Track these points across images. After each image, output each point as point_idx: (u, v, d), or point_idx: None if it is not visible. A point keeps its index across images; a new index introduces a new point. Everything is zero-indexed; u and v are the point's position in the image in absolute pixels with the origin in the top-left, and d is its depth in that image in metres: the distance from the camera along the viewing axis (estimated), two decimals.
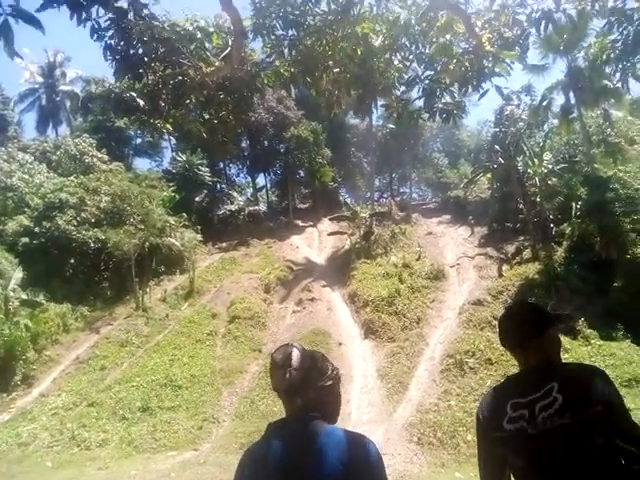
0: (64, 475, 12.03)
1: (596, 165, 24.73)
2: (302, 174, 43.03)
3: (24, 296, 21.98)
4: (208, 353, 21.05)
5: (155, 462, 12.91)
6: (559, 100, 27.13)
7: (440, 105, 4.95)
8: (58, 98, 47.72)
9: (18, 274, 22.39)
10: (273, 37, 5.04)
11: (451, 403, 14.84)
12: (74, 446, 14.88)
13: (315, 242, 36.45)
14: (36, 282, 23.45)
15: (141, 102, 4.75)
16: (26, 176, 30.72)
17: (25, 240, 26.04)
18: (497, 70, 4.98)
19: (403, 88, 5.23)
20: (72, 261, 26.73)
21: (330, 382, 1.93)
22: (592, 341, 17.18)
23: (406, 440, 13.33)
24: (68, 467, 13.04)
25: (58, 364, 21.02)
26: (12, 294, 21.24)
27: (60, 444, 15.04)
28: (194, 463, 12.58)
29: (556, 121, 29.41)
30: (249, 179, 48.71)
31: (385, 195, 50.88)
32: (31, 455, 14.51)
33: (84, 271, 27.07)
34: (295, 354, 1.90)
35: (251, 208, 38.59)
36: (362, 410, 15.91)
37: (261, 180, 48.18)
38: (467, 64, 4.95)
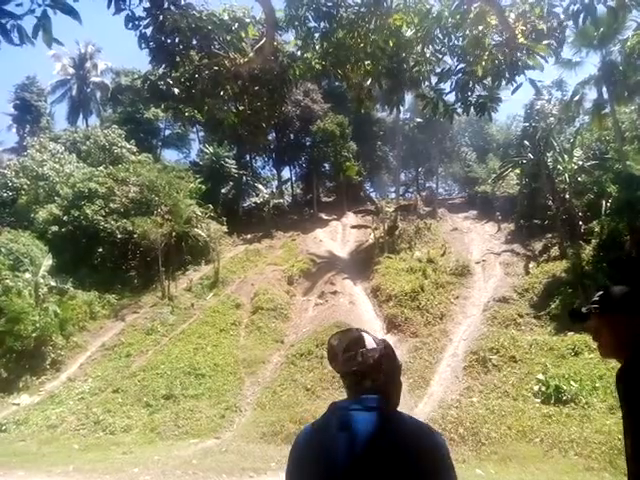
0: (90, 457, 12.32)
1: (628, 162, 24.14)
2: (327, 168, 42.98)
3: (53, 283, 22.57)
4: (231, 343, 21.29)
5: (177, 449, 13.12)
6: (591, 95, 26.49)
7: (474, 98, 4.89)
8: (89, 89, 48.65)
9: (47, 261, 22.96)
10: (305, 29, 5.04)
11: (473, 400, 14.73)
12: (99, 430, 15.25)
13: (339, 236, 36.42)
14: (65, 270, 24.05)
15: (176, 90, 4.82)
16: (57, 166, 31.40)
17: (55, 228, 26.67)
18: (531, 64, 4.91)
19: (435, 81, 5.18)
20: (100, 250, 27.29)
21: (398, 368, 1.92)
22: None
23: None
24: (94, 450, 13.36)
25: (85, 350, 21.53)
26: (42, 281, 21.81)
27: (86, 428, 15.44)
28: (215, 451, 12.74)
29: (587, 117, 28.76)
30: (274, 172, 49.03)
31: (410, 190, 50.54)
32: (59, 437, 14.94)
33: (111, 260, 27.61)
34: (367, 337, 1.87)
35: (276, 201, 38.75)
36: None
37: (286, 173, 48.47)
38: (500, 57, 4.89)
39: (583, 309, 2.15)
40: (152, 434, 14.86)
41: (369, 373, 1.79)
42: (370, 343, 1.84)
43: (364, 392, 1.76)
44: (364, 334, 1.88)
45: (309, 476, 1.68)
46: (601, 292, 2.13)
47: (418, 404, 15.54)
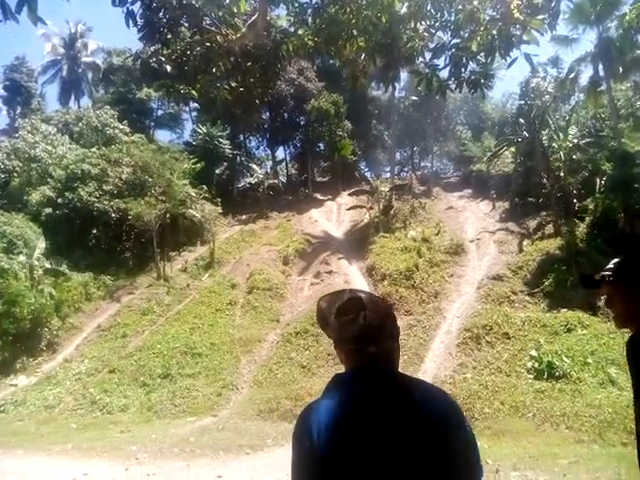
0: (88, 436, 12.47)
1: (623, 140, 24.12)
2: (322, 147, 42.73)
3: (48, 265, 22.51)
4: (227, 322, 21.41)
5: (174, 427, 13.28)
6: (587, 72, 26.33)
7: (467, 74, 4.86)
8: (80, 70, 47.95)
9: (42, 244, 22.88)
10: (297, 5, 4.98)
11: (467, 376, 14.93)
12: (96, 410, 15.42)
13: (334, 216, 36.40)
14: (59, 252, 23.99)
15: (168, 68, 4.76)
16: (49, 147, 31.09)
17: (48, 210, 26.53)
18: (526, 38, 4.86)
19: (429, 57, 5.14)
20: (94, 231, 27.20)
21: (399, 330, 1.72)
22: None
23: None
24: (91, 429, 13.52)
25: (81, 331, 21.61)
26: (36, 263, 21.76)
27: (83, 407, 15.61)
28: (212, 429, 12.91)
29: (583, 94, 28.62)
30: (269, 152, 48.70)
31: (406, 169, 50.36)
32: (57, 417, 15.10)
33: (106, 241, 27.53)
34: (365, 296, 1.67)
35: (270, 181, 38.57)
36: None
37: (281, 153, 48.14)
38: (495, 32, 4.84)
39: (596, 276, 2.13)
40: (149, 413, 15.02)
41: (373, 338, 1.59)
42: (370, 304, 1.64)
43: (369, 359, 1.59)
44: (361, 294, 1.68)
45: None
46: (617, 260, 2.10)
47: None
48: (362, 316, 1.58)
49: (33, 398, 16.36)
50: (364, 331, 1.57)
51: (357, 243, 29.06)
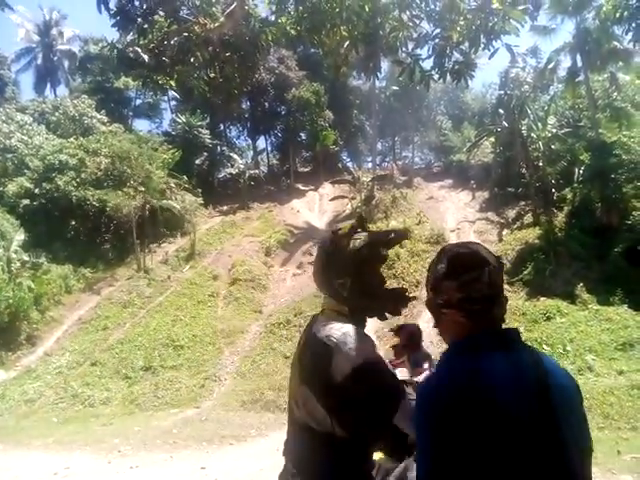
0: (69, 430, 12.35)
1: (600, 130, 24.46)
2: (303, 137, 42.50)
3: (26, 258, 22.08)
4: (210, 314, 21.33)
5: (157, 419, 13.22)
6: (565, 63, 26.61)
7: (450, 64, 4.86)
8: (55, 58, 46.77)
9: (20, 236, 22.43)
10: None
11: None
12: (78, 403, 15.26)
13: (316, 206, 36.39)
14: (38, 244, 23.56)
15: (145, 58, 4.67)
16: (25, 137, 30.41)
17: (26, 202, 26.03)
18: (507, 29, 4.88)
19: (412, 47, 5.13)
20: (73, 223, 26.77)
21: None
22: (590, 306, 17.35)
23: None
24: (73, 423, 13.39)
25: (61, 324, 21.31)
26: (14, 256, 21.32)
27: (65, 401, 15.43)
28: (195, 420, 12.89)
29: (561, 85, 28.92)
30: (249, 142, 48.30)
31: (387, 159, 50.54)
32: (37, 411, 14.92)
33: (85, 233, 27.13)
34: (485, 250, 1.51)
35: (252, 171, 38.32)
36: None
37: (262, 143, 47.78)
38: (476, 22, 4.85)
39: None
40: (131, 405, 14.93)
41: (497, 297, 1.45)
42: (490, 258, 1.48)
43: (492, 322, 1.44)
44: (479, 245, 1.55)
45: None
46: None
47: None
48: (487, 272, 1.44)
49: (13, 392, 16.10)
50: (492, 289, 1.44)
51: None
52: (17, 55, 46.22)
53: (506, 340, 1.43)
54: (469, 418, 1.27)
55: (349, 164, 44.99)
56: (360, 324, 1.91)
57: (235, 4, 4.85)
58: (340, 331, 1.80)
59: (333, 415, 1.75)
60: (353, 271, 1.87)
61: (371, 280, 1.93)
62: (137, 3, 4.62)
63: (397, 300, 2.02)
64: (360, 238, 1.92)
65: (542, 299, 17.91)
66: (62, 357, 18.54)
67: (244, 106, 42.95)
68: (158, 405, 14.82)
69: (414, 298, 2.13)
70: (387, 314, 1.99)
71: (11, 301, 19.05)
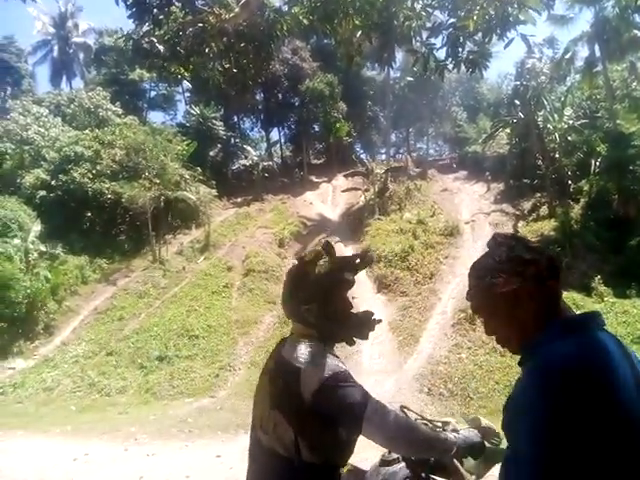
0: (87, 418, 12.58)
1: (618, 121, 24.10)
2: (317, 129, 42.39)
3: (43, 248, 22.41)
4: (224, 304, 21.48)
5: (173, 408, 13.41)
6: (583, 53, 26.23)
7: (465, 54, 4.82)
8: (71, 50, 47.17)
9: (36, 227, 22.75)
10: None
11: (462, 356, 15.09)
12: (95, 392, 15.53)
13: (329, 198, 36.36)
14: (54, 235, 23.87)
15: (161, 48, 4.70)
16: (42, 129, 30.73)
17: (42, 193, 26.35)
18: (522, 18, 4.82)
19: (426, 36, 5.09)
20: (89, 214, 27.04)
21: None
22: (605, 298, 17.21)
23: (417, 390, 13.66)
24: (90, 411, 13.64)
25: (77, 314, 21.62)
26: (31, 246, 21.65)
27: (82, 390, 15.71)
28: (210, 409, 13.04)
29: (578, 75, 28.51)
30: (263, 133, 48.30)
31: (401, 151, 50.19)
32: (56, 399, 15.21)
33: (101, 224, 27.40)
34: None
35: (265, 163, 38.34)
36: (373, 360, 16.26)
37: (275, 135, 47.73)
38: (491, 11, 4.80)
39: None
40: (147, 395, 15.15)
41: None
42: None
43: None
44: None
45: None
46: None
47: (407, 360, 15.90)
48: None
49: (31, 381, 16.43)
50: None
51: (352, 225, 29.12)
52: (34, 48, 46.82)
53: (598, 321, 1.40)
54: (601, 394, 1.17)
55: (362, 156, 44.74)
56: (329, 347, 1.94)
57: None
58: (307, 351, 1.83)
59: (305, 438, 1.76)
60: (320, 297, 1.89)
61: (337, 305, 1.95)
62: None
63: (364, 324, 2.04)
64: (325, 264, 1.94)
65: None
66: (79, 347, 18.84)
67: (258, 98, 42.88)
68: (173, 394, 15.02)
69: (380, 321, 2.13)
70: (355, 339, 2.02)
71: (29, 291, 19.37)
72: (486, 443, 1.92)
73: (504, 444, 1.56)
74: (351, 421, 1.73)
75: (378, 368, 15.73)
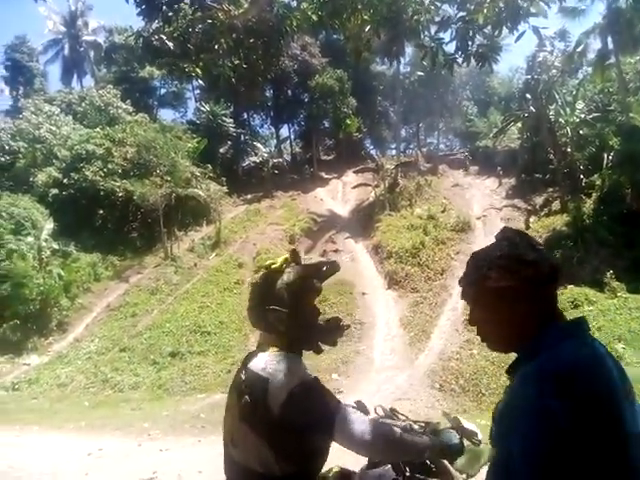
0: (100, 414, 12.69)
1: (631, 114, 23.83)
2: (326, 125, 42.23)
3: (55, 246, 22.66)
4: (235, 301, 21.57)
5: (185, 404, 13.48)
6: (595, 46, 25.88)
7: (474, 48, 4.78)
8: (82, 49, 47.42)
9: (49, 225, 22.99)
10: None
11: (473, 352, 15.03)
12: (108, 388, 15.70)
13: (339, 194, 36.30)
14: (66, 232, 24.11)
15: (170, 45, 4.72)
16: (53, 128, 30.99)
17: (55, 191, 26.60)
18: (533, 11, 4.77)
19: (434, 31, 5.06)
20: (101, 212, 27.29)
21: None
22: (619, 293, 17.04)
23: (428, 386, 13.64)
24: (103, 407, 13.76)
25: (90, 311, 21.85)
26: (44, 244, 21.90)
27: (95, 386, 15.89)
28: (223, 405, 12.82)
29: (590, 68, 28.17)
30: (273, 130, 48.29)
31: (411, 146, 49.97)
32: (69, 395, 15.39)
33: (113, 222, 27.63)
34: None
35: (275, 160, 38.35)
36: (385, 357, 16.25)
37: (285, 131, 47.72)
38: (501, 4, 4.75)
39: None
40: (160, 390, 15.27)
41: None
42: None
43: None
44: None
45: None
46: None
47: (419, 356, 15.88)
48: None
49: (46, 377, 16.66)
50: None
51: (363, 221, 29.04)
52: (45, 47, 47.14)
53: (587, 326, 1.40)
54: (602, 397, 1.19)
55: (372, 151, 44.54)
56: (297, 355, 1.92)
57: None
58: (275, 361, 1.82)
59: (278, 449, 1.75)
60: (287, 304, 1.88)
61: (306, 312, 1.95)
62: None
63: (332, 331, 2.03)
64: (292, 271, 1.94)
65: (570, 287, 17.61)
66: (92, 343, 19.05)
67: (267, 94, 42.89)
68: (186, 390, 15.13)
69: (348, 327, 2.13)
70: (323, 345, 2.01)
71: (42, 288, 19.62)
72: (467, 443, 1.92)
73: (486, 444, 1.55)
74: (321, 430, 1.73)
75: (390, 364, 15.72)
